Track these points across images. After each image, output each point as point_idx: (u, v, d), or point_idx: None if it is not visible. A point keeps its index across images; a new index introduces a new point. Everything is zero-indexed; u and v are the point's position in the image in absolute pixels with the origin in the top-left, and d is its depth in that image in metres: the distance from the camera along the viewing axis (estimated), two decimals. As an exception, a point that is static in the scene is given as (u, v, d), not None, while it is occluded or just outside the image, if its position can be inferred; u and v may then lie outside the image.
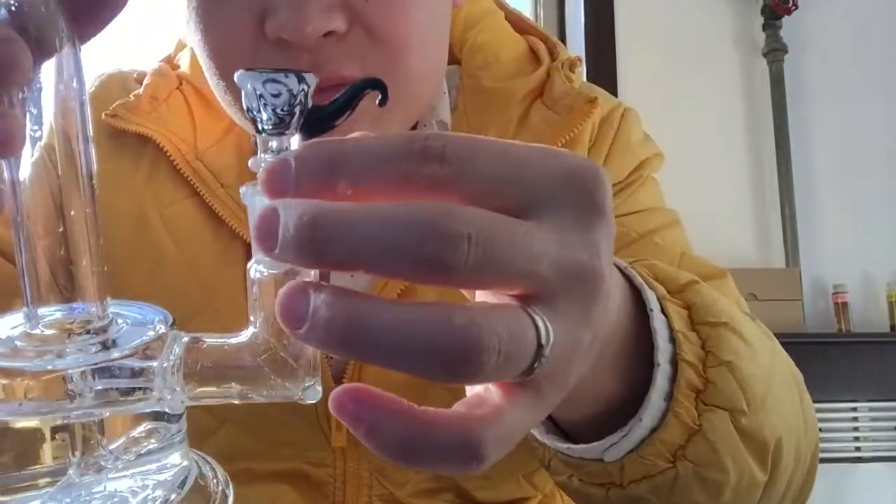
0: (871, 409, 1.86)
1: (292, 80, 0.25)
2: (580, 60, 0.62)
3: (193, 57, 0.62)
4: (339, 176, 0.23)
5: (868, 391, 1.86)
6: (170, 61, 0.65)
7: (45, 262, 0.21)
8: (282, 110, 0.25)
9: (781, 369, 0.41)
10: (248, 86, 0.25)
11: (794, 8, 1.99)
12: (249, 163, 0.26)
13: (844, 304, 1.92)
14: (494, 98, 0.60)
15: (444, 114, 0.60)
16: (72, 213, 0.21)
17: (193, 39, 0.50)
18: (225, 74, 0.50)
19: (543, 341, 0.22)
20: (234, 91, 0.50)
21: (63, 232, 0.20)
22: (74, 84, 0.21)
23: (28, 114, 0.21)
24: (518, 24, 0.66)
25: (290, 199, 0.22)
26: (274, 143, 0.26)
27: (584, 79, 0.67)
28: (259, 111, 0.25)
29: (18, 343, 0.22)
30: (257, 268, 0.25)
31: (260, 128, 0.26)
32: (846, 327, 1.92)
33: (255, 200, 0.25)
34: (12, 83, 0.21)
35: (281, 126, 0.26)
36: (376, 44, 0.47)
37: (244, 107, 0.25)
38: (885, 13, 2.04)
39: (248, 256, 0.57)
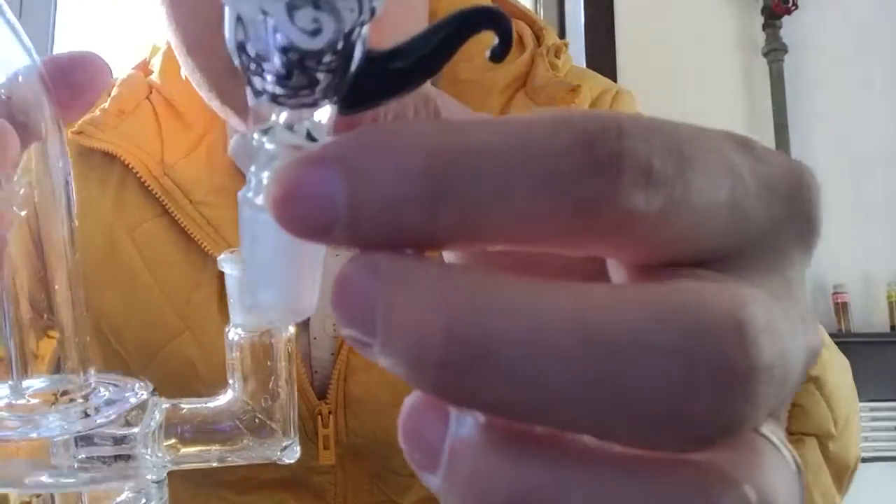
0: (871, 409, 1.86)
1: (346, 3, 0.13)
2: (566, 45, 0.59)
3: (165, 60, 0.60)
4: (445, 206, 0.12)
5: (868, 391, 1.86)
6: (144, 66, 0.63)
7: (29, 334, 0.22)
8: (316, 60, 0.14)
9: (850, 372, 0.36)
10: (248, 9, 0.13)
11: (794, 8, 1.98)
12: (231, 148, 0.16)
13: (844, 304, 1.92)
14: (472, 91, 0.57)
15: None
16: (56, 287, 0.22)
17: (162, 17, 0.48)
18: (191, 49, 0.47)
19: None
20: (203, 68, 0.48)
21: (47, 306, 0.21)
22: (60, 164, 0.22)
23: (14, 194, 0.22)
24: (504, 6, 0.61)
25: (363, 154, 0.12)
26: (283, 117, 0.15)
27: (584, 78, 0.61)
28: (267, 59, 0.14)
29: (1, 414, 0.23)
30: (235, 331, 0.26)
31: (262, 87, 0.14)
32: (846, 327, 1.92)
33: (248, 217, 0.15)
34: (1, 168, 0.22)
35: (307, 88, 0.14)
36: None
37: (232, 46, 0.14)
38: (885, 13, 2.03)
39: (222, 275, 0.57)
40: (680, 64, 2.03)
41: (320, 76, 0.14)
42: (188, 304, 0.55)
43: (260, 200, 0.15)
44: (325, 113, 0.15)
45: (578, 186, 0.12)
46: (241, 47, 0.14)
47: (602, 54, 2.06)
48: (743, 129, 2.08)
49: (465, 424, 0.13)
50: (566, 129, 0.13)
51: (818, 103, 2.03)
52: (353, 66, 0.14)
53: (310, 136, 0.15)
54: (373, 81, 0.15)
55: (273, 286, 0.15)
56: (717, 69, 2.05)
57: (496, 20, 0.15)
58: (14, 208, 0.22)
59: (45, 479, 0.21)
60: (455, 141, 0.12)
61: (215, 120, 0.59)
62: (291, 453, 0.26)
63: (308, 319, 0.55)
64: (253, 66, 0.14)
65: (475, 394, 0.12)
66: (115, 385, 0.24)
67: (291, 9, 0.13)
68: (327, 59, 0.14)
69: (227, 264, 0.25)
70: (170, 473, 0.24)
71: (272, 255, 0.15)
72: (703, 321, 0.12)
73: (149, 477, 0.24)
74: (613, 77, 2.06)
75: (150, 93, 0.60)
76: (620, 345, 0.11)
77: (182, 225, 0.55)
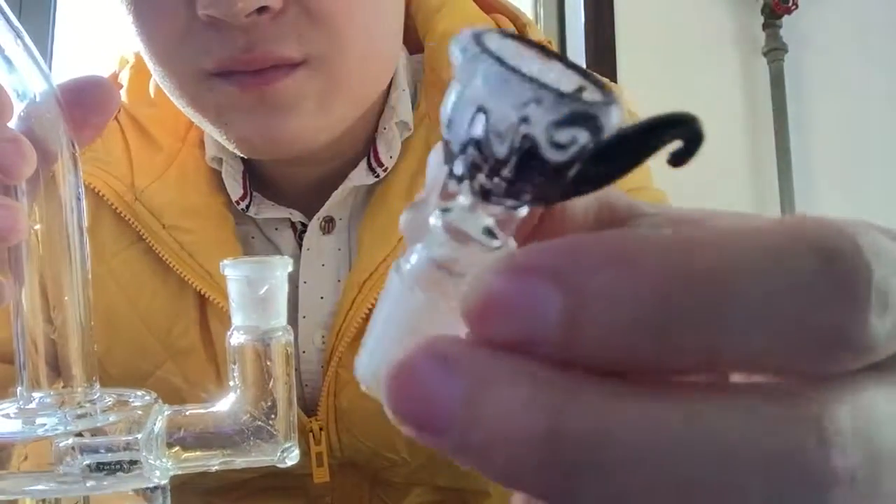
0: (870, 408, 1.87)
1: (606, 110, 0.13)
2: (550, 42, 0.59)
3: (132, 75, 0.60)
4: (678, 337, 0.11)
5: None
6: (113, 80, 0.63)
7: (40, 344, 0.23)
8: (554, 171, 0.13)
9: None
10: (506, 110, 0.13)
11: (794, 7, 1.99)
12: (403, 221, 0.15)
13: (844, 304, 1.92)
14: None
15: (404, 114, 0.56)
16: (65, 298, 0.23)
17: (129, 27, 0.48)
18: (161, 60, 0.48)
19: None
20: (172, 75, 0.48)
21: (56, 317, 0.22)
22: (72, 179, 0.23)
23: (30, 206, 0.23)
24: (485, 1, 0.62)
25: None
26: (467, 202, 0.14)
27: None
28: (499, 160, 0.13)
29: (11, 414, 0.24)
30: (237, 335, 0.27)
31: (471, 178, 0.14)
32: (846, 326, 1.92)
33: (394, 290, 0.15)
34: (19, 176, 0.23)
35: (526, 193, 0.13)
36: (314, 21, 0.45)
37: (460, 133, 0.13)
38: (885, 13, 2.03)
39: (201, 301, 0.57)
40: (680, 64, 2.04)
41: (544, 183, 0.13)
42: (169, 334, 0.55)
43: (410, 278, 0.14)
44: (519, 212, 0.14)
45: (824, 315, 0.12)
46: (473, 141, 0.13)
47: (602, 54, 2.07)
48: (743, 128, 2.08)
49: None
50: (805, 247, 0.12)
51: (818, 103, 2.03)
52: (570, 176, 0.13)
53: (489, 233, 0.14)
54: (572, 183, 0.14)
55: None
56: (717, 69, 2.05)
57: (687, 127, 0.14)
58: (29, 222, 0.23)
59: (50, 485, 0.22)
60: (690, 262, 0.11)
61: (184, 138, 0.58)
62: (292, 456, 0.27)
63: (296, 332, 0.55)
64: (475, 159, 0.13)
65: (577, 496, 0.12)
66: (119, 394, 0.25)
67: (558, 125, 0.13)
68: (564, 171, 0.13)
69: (230, 269, 0.26)
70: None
71: (404, 334, 0.14)
72: (795, 435, 0.12)
73: (153, 482, 0.24)
74: (613, 77, 2.06)
75: (119, 112, 0.59)
76: (728, 460, 0.11)
77: (157, 252, 0.54)
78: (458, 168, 0.14)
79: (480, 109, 0.13)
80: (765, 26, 2.04)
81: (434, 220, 0.14)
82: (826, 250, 0.12)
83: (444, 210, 0.14)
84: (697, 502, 0.11)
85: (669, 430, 0.11)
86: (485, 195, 0.14)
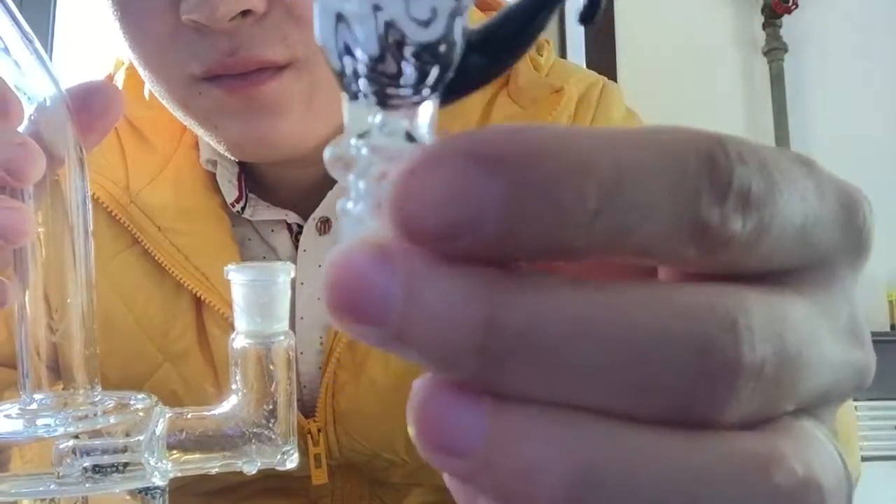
0: (870, 409, 1.87)
1: None
2: (548, 42, 0.59)
3: (127, 77, 0.60)
4: (599, 223, 0.12)
5: (868, 390, 1.84)
6: (109, 81, 0.62)
7: (42, 346, 0.23)
8: (430, 52, 0.13)
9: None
10: (356, 7, 0.13)
11: (794, 7, 1.99)
12: (325, 157, 0.14)
13: (844, 304, 1.93)
14: None
15: None
16: (67, 300, 0.23)
17: (117, 31, 0.48)
18: (149, 65, 0.48)
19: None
20: (161, 80, 0.48)
21: (59, 319, 0.22)
22: (78, 182, 0.23)
23: (36, 209, 0.23)
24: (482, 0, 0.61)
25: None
26: (378, 118, 0.14)
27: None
28: (376, 58, 0.13)
29: (13, 415, 0.24)
30: (240, 339, 0.27)
31: (365, 89, 0.14)
32: (846, 326, 1.92)
33: (348, 228, 0.14)
34: (28, 179, 0.23)
35: (417, 85, 0.13)
36: (299, 23, 0.44)
37: (333, 48, 0.13)
38: (885, 12, 2.03)
39: (198, 303, 0.57)
40: (680, 64, 2.04)
41: (430, 69, 0.13)
42: (166, 337, 0.54)
43: (359, 209, 0.14)
44: (426, 109, 0.14)
45: (696, 209, 0.13)
46: (347, 50, 0.13)
47: (602, 54, 2.07)
48: (743, 128, 2.08)
49: (507, 409, 0.13)
50: (692, 152, 0.13)
51: (818, 103, 2.03)
52: (458, 54, 0.13)
53: (409, 137, 0.14)
54: (471, 66, 0.14)
55: None
56: (717, 69, 2.05)
57: None
58: (34, 224, 0.23)
59: (50, 486, 0.22)
60: (583, 139, 0.12)
61: (179, 140, 0.58)
62: (292, 459, 0.27)
63: (295, 334, 0.55)
64: (355, 69, 0.13)
65: (512, 379, 0.13)
66: (120, 397, 0.25)
67: (409, 1, 0.13)
68: (440, 49, 0.13)
69: (234, 273, 0.26)
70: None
71: None
72: (707, 321, 0.13)
73: (152, 484, 0.24)
74: (613, 77, 2.06)
75: None
76: (645, 338, 0.13)
77: (153, 254, 0.54)
78: (353, 88, 0.14)
79: (339, 18, 0.13)
80: (765, 26, 2.04)
81: (355, 148, 0.14)
82: (705, 156, 0.13)
83: (361, 135, 0.14)
84: (612, 385, 0.13)
85: (594, 319, 0.13)
86: (385, 101, 0.14)
